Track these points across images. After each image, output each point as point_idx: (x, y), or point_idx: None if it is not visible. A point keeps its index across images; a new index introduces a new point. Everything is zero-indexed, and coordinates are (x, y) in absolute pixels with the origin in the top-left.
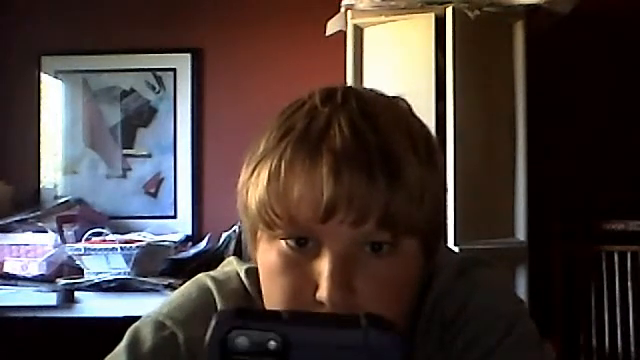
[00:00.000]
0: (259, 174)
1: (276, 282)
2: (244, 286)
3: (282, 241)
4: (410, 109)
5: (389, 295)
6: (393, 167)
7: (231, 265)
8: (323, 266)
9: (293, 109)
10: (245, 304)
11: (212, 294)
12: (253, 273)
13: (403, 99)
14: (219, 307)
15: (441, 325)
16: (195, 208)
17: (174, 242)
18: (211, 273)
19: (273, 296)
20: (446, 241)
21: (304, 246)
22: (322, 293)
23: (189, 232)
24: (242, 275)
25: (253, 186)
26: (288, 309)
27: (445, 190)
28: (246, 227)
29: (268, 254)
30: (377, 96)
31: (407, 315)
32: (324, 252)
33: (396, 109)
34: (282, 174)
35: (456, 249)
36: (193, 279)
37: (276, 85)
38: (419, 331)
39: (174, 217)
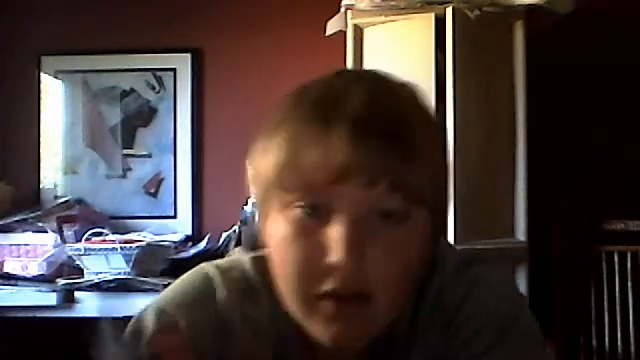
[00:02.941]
0: (273, 139)
1: (287, 251)
2: (247, 275)
3: (294, 209)
4: (422, 94)
5: (398, 264)
6: (407, 135)
7: (236, 255)
8: (335, 231)
9: (306, 84)
10: (246, 291)
11: (212, 282)
12: (260, 261)
13: (415, 85)
14: (218, 294)
15: (444, 317)
16: (195, 208)
17: (174, 242)
18: (215, 262)
19: (284, 266)
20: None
21: (316, 213)
22: (333, 257)
23: (189, 232)
24: (248, 262)
25: (267, 152)
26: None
27: (449, 174)
28: (257, 197)
29: (279, 224)
30: (391, 76)
31: (408, 295)
32: (336, 217)
33: (410, 88)
34: (297, 137)
35: None
36: (195, 268)
37: (276, 85)
38: (421, 322)
39: (174, 217)
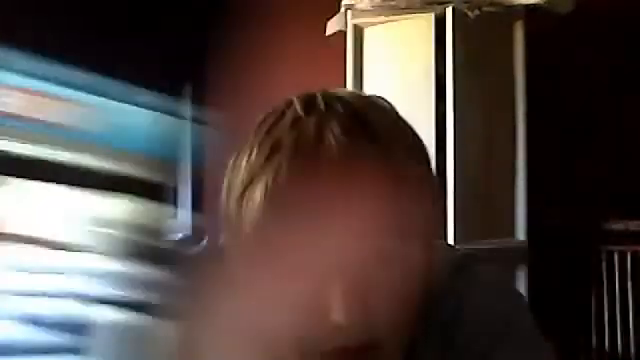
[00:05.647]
0: (251, 197)
1: (280, 317)
2: None
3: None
4: (393, 107)
5: (402, 303)
6: (396, 173)
7: None
8: (332, 291)
9: (272, 121)
10: None
11: None
12: None
13: (383, 98)
14: None
15: (440, 324)
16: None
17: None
18: None
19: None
20: (446, 241)
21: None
22: (338, 315)
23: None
24: None
25: (245, 210)
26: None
27: (437, 182)
28: (237, 251)
29: (265, 280)
30: (360, 98)
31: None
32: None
33: (383, 110)
34: (280, 194)
35: None
36: None
37: (276, 85)
38: (418, 331)
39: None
